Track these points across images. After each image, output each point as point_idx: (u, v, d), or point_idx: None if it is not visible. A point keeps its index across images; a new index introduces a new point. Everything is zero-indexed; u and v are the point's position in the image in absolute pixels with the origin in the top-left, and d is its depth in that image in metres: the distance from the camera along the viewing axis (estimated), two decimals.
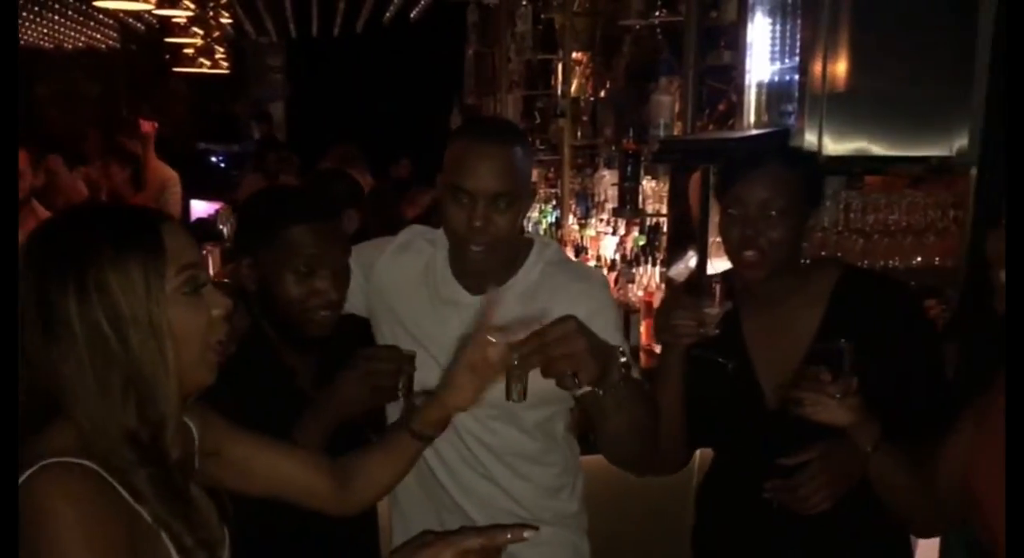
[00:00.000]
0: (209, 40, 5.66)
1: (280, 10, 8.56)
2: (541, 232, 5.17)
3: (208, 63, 6.03)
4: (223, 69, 6.58)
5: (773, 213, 1.71)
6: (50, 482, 1.02)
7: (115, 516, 1.04)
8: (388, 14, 8.23)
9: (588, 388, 1.51)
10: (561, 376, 1.45)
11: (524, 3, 5.45)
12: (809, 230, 1.82)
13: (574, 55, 5.22)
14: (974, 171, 2.60)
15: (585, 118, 5.27)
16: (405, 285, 1.83)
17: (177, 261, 1.12)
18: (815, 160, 1.88)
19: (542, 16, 5.44)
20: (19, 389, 1.07)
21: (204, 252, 3.59)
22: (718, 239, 3.44)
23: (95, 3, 3.35)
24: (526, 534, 1.10)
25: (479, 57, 6.45)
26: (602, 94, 5.08)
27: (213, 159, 8.44)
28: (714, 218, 3.47)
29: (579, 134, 5.13)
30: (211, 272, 3.04)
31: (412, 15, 8.11)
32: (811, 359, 1.65)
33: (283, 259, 1.69)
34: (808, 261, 1.86)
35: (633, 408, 1.56)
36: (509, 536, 1.09)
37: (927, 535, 1.56)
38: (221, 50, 6.19)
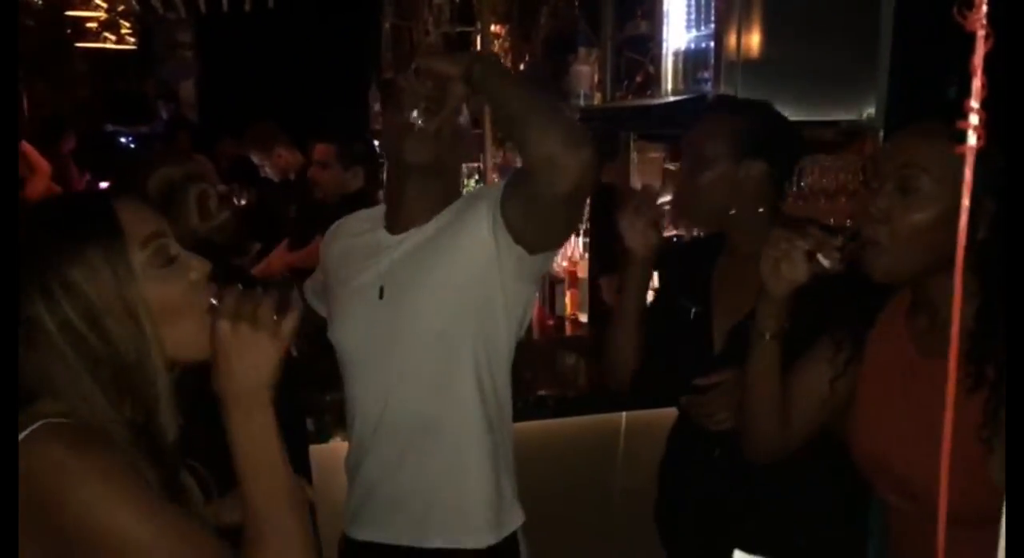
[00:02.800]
0: (113, 14, 5.44)
1: None
2: None
3: (113, 38, 5.80)
4: (129, 45, 6.34)
5: (703, 159, 1.80)
6: (57, 436, 0.98)
7: (129, 468, 1.00)
8: None
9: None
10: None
11: None
12: (749, 181, 1.81)
13: (492, 28, 5.21)
14: (881, 135, 2.70)
15: None
16: (338, 244, 1.87)
17: (138, 235, 1.07)
18: (761, 111, 1.87)
19: None
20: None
21: None
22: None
23: None
24: None
25: (396, 31, 6.38)
26: (521, 67, 5.10)
27: (123, 140, 8.15)
28: (635, 185, 3.53)
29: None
30: None
31: None
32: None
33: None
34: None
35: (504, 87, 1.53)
36: None
37: (760, 458, 1.60)
38: (127, 25, 5.96)
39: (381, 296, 1.67)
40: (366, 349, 1.70)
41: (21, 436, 0.97)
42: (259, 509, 1.02)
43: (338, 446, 2.22)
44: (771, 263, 1.41)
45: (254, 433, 1.03)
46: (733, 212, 1.84)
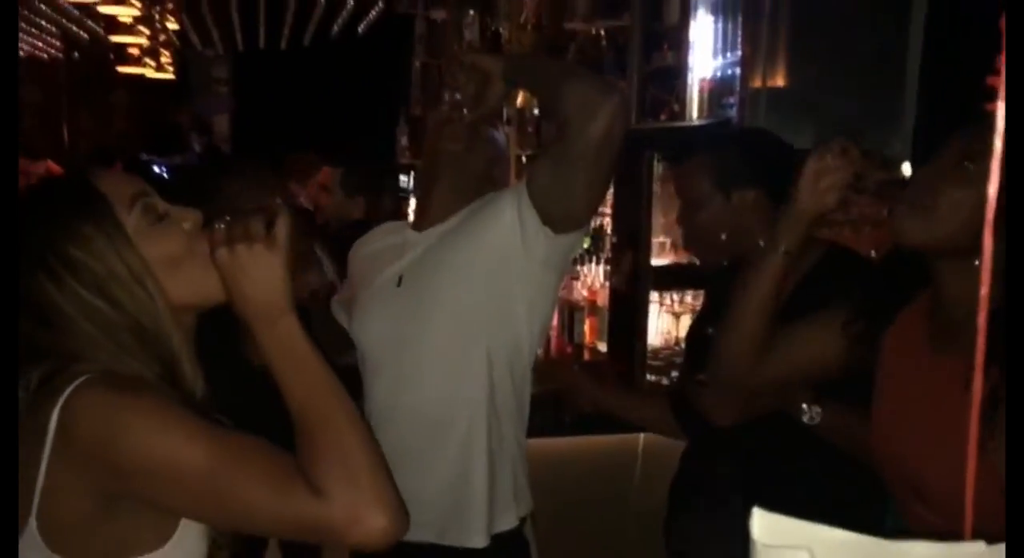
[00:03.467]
0: (155, 42, 5.60)
1: (227, 22, 8.51)
2: None
3: (153, 65, 5.96)
4: (168, 73, 6.51)
5: (690, 199, 1.84)
6: (103, 383, 0.99)
7: (174, 403, 1.02)
8: (336, 27, 8.24)
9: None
10: None
11: (471, 13, 5.50)
12: (745, 211, 1.81)
13: None
14: (908, 164, 2.70)
15: (531, 129, 5.35)
16: (364, 250, 1.90)
17: (122, 198, 1.09)
18: (742, 140, 1.93)
19: (489, 26, 5.51)
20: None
21: None
22: (661, 239, 3.54)
23: None
24: None
25: (426, 69, 6.48)
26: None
27: (156, 170, 8.31)
28: (659, 219, 3.54)
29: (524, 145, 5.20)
30: None
31: (360, 28, 8.13)
32: None
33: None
34: None
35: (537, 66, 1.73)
36: None
37: (717, 392, 1.59)
38: (167, 54, 6.13)
39: (399, 284, 1.69)
40: (382, 341, 1.70)
41: (67, 392, 0.98)
42: (302, 406, 1.02)
43: None
44: (812, 175, 1.40)
45: (281, 338, 1.04)
46: (734, 243, 1.83)
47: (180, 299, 1.09)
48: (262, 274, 1.04)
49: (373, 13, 7.74)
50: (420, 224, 1.77)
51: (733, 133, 2.06)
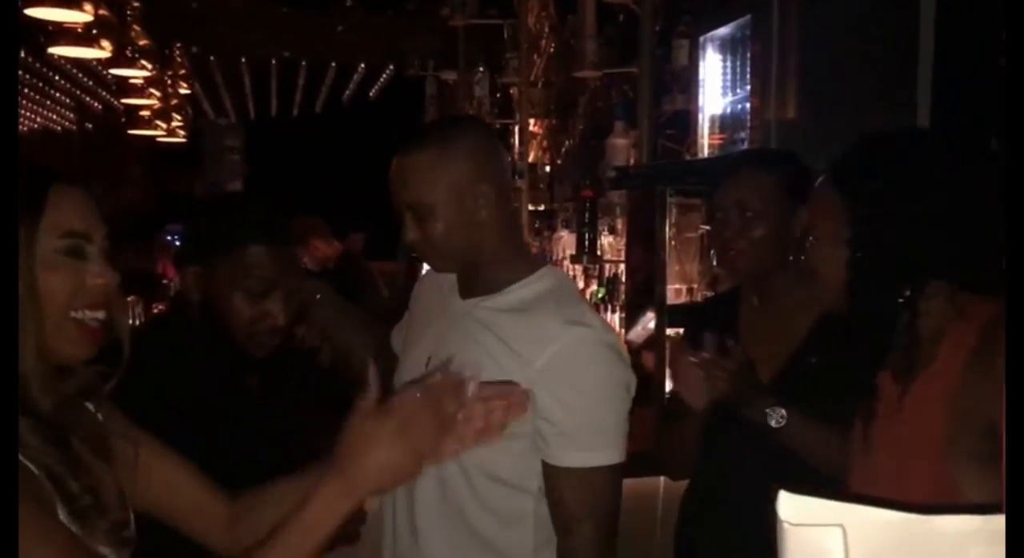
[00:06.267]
0: (166, 104, 5.69)
1: (239, 90, 8.67)
2: None
3: (164, 127, 6.04)
4: (179, 138, 6.59)
5: (749, 214, 1.79)
6: None
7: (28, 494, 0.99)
8: (347, 93, 8.37)
9: None
10: None
11: (481, 70, 5.59)
12: (798, 231, 1.78)
13: (531, 127, 5.35)
14: None
15: (542, 186, 5.38)
16: (425, 296, 1.81)
17: (60, 226, 1.08)
18: (795, 160, 1.88)
19: (499, 83, 5.59)
20: None
21: None
22: (676, 285, 3.49)
23: (50, 50, 3.34)
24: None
25: None
26: (558, 162, 5.20)
27: (168, 238, 8.38)
28: (673, 267, 3.50)
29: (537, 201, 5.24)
30: None
31: (371, 93, 8.26)
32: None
33: (238, 277, 1.66)
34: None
35: None
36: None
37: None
38: (178, 117, 6.22)
39: (427, 365, 1.58)
40: None
41: None
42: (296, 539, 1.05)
43: None
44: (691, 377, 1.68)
45: (339, 514, 1.06)
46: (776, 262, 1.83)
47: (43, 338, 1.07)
48: (399, 457, 1.05)
49: (384, 77, 7.88)
50: (463, 289, 1.64)
51: (776, 154, 1.98)
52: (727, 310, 1.94)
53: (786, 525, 0.68)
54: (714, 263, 2.11)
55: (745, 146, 2.69)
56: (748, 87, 2.71)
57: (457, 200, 1.51)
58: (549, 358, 1.45)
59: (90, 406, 1.23)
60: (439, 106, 6.54)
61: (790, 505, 0.70)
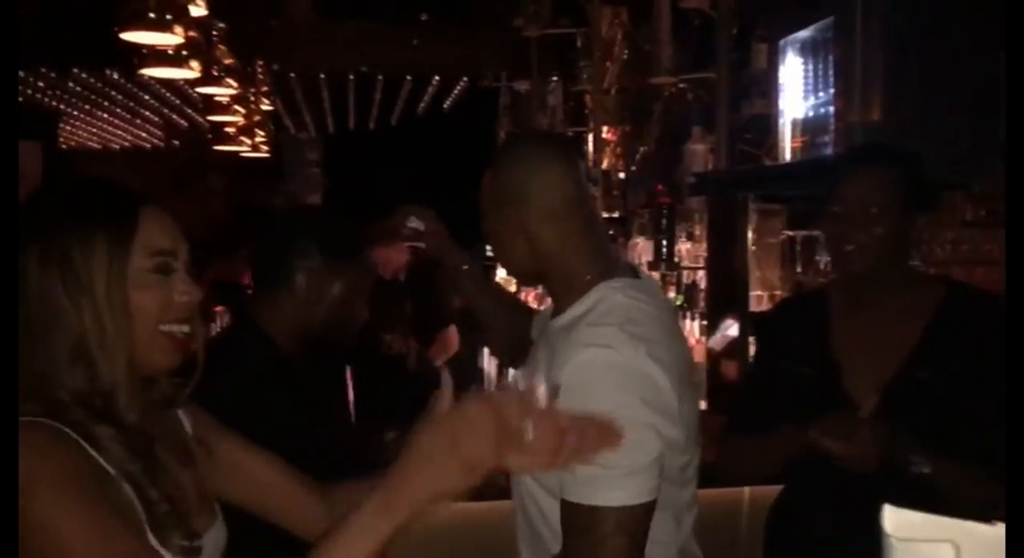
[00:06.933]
0: (250, 120, 5.85)
1: (318, 105, 8.86)
2: None
3: (249, 143, 6.21)
4: (263, 153, 6.77)
5: (874, 210, 1.70)
6: (27, 433, 1.02)
7: (85, 469, 1.05)
8: (422, 105, 8.49)
9: None
10: None
11: (554, 79, 5.60)
12: (913, 234, 1.78)
13: (604, 135, 5.33)
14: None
15: (616, 193, 5.36)
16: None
17: (150, 245, 1.14)
18: (919, 162, 1.80)
19: (572, 91, 5.60)
20: None
21: None
22: (757, 292, 3.44)
23: (142, 71, 3.46)
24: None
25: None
26: (632, 169, 5.17)
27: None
28: (755, 272, 3.45)
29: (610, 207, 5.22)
30: None
31: (445, 105, 8.36)
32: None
33: (361, 283, 1.84)
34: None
35: None
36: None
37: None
38: (261, 133, 6.39)
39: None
40: None
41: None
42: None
43: None
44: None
45: (379, 532, 0.97)
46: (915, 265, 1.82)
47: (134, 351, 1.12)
48: (451, 473, 0.95)
49: (457, 89, 7.96)
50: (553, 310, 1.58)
51: (899, 152, 1.85)
52: (813, 317, 1.86)
53: (894, 540, 0.66)
54: (828, 259, 1.99)
55: (829, 150, 2.64)
56: (831, 90, 2.65)
57: (504, 222, 1.48)
58: (561, 381, 1.28)
59: (178, 413, 1.29)
60: (512, 116, 6.58)
61: (896, 520, 0.68)
